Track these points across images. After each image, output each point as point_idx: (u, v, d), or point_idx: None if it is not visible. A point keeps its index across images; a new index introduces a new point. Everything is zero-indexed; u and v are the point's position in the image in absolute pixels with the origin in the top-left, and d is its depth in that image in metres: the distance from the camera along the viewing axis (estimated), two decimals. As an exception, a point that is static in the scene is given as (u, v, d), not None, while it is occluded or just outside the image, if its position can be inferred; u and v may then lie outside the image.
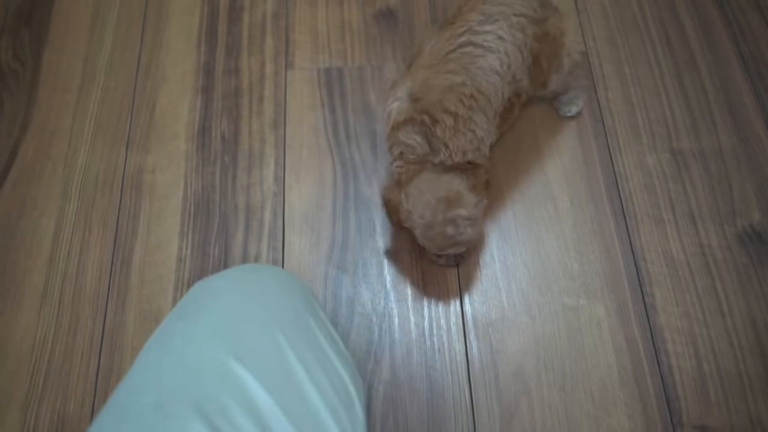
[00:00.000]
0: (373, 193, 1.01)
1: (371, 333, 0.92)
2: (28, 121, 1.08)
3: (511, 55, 0.82)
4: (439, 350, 0.91)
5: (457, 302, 0.93)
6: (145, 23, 1.16)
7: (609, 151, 1.02)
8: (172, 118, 1.07)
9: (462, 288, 0.94)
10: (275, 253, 0.96)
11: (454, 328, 0.92)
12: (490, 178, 0.90)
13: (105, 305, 0.94)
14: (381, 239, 0.98)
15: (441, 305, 0.94)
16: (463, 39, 0.81)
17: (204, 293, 0.70)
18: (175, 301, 0.92)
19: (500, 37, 0.81)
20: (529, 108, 1.05)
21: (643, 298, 0.92)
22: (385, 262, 0.97)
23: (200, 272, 0.94)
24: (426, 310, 0.93)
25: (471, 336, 0.91)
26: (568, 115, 1.03)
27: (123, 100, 1.09)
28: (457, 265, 0.94)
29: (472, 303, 0.93)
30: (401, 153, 0.84)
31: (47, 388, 0.89)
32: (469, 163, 0.83)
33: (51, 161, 1.04)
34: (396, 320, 0.92)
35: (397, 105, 0.84)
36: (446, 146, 0.81)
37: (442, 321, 0.93)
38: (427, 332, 0.92)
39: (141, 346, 0.86)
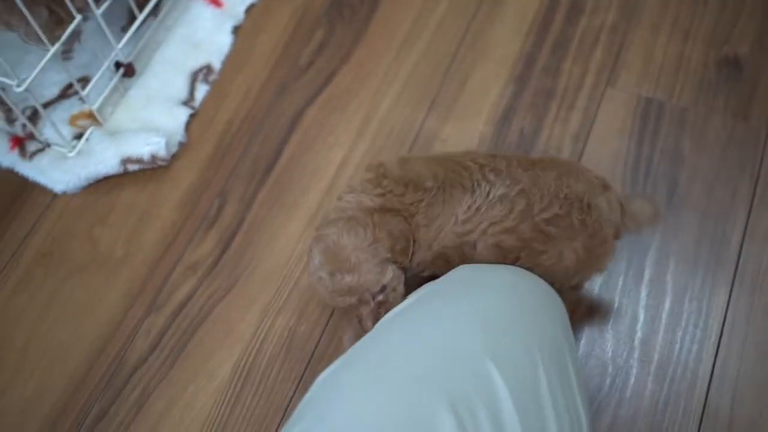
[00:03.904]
0: (652, 242, 1.01)
1: (602, 382, 0.93)
2: (350, 55, 1.20)
3: (480, 216, 0.79)
4: (667, 430, 0.89)
5: (705, 388, 0.91)
6: (483, -2, 1.24)
7: None
8: (480, 96, 1.14)
9: (715, 375, 0.92)
10: (534, 263, 0.99)
11: (691, 415, 0.91)
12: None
13: (362, 248, 1.03)
14: (645, 290, 0.98)
15: (685, 384, 0.92)
16: (471, 165, 0.80)
17: (473, 282, 0.75)
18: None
19: (488, 194, 0.79)
20: None
21: None
22: (641, 315, 0.96)
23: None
24: (668, 382, 0.92)
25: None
26: None
27: (439, 64, 1.18)
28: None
29: (720, 395, 0.90)
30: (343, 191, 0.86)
31: (288, 304, 1.00)
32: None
33: (358, 99, 1.16)
34: (632, 380, 0.92)
35: (388, 158, 0.89)
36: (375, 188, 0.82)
37: (682, 401, 0.91)
38: (660, 405, 0.91)
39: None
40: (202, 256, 1.05)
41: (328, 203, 1.08)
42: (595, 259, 0.82)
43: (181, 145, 1.13)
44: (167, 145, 1.09)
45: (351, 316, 0.85)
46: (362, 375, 0.62)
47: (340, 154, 1.11)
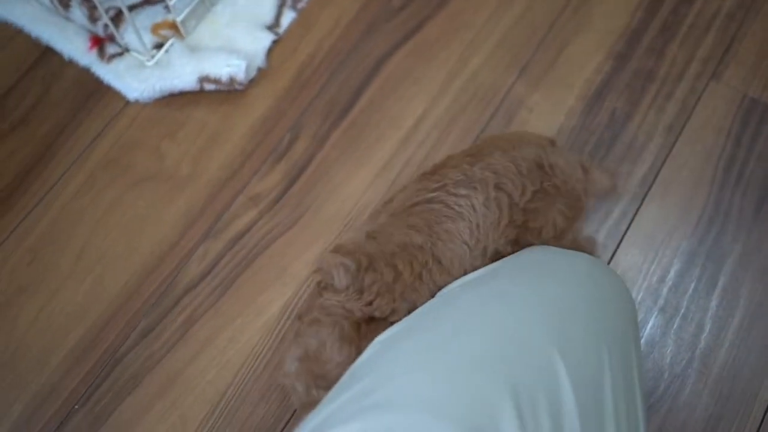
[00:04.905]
0: (732, 251, 0.95)
1: (655, 386, 0.88)
2: (445, 3, 1.14)
3: (482, 230, 0.73)
4: (716, 446, 0.85)
5: (762, 412, 0.87)
6: (597, -37, 1.14)
7: None
8: (575, 68, 1.07)
9: (774, 402, 0.86)
10: (605, 252, 0.95)
11: (744, 437, 0.85)
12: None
13: (429, 207, 0.98)
14: (716, 301, 0.92)
15: (743, 404, 0.87)
16: (434, 195, 0.73)
17: (546, 265, 0.70)
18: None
19: (473, 207, 0.72)
20: None
21: None
22: (708, 326, 0.91)
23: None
24: (725, 400, 0.88)
25: (758, 456, 0.84)
26: None
27: (538, 28, 1.10)
28: None
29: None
30: (320, 282, 0.75)
31: (346, 249, 0.96)
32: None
33: (447, 51, 1.09)
34: (687, 390, 0.88)
35: (351, 235, 0.77)
36: (362, 294, 0.72)
37: (735, 421, 0.87)
38: (712, 421, 0.87)
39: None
40: (267, 188, 1.01)
41: (401, 155, 1.03)
42: (577, 211, 0.81)
43: (260, 71, 1.09)
44: (247, 69, 1.04)
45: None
46: (425, 346, 0.58)
47: (420, 107, 1.06)
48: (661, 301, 0.93)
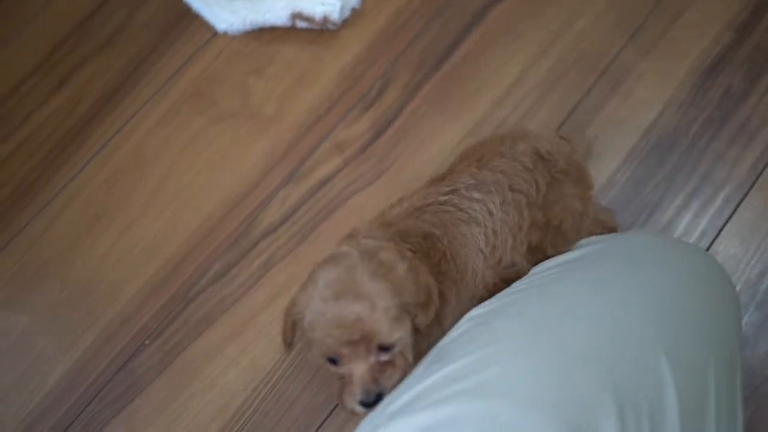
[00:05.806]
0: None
1: (745, 386, 0.82)
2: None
3: (500, 237, 0.68)
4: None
5: None
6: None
7: None
8: (691, 36, 0.98)
9: None
10: (704, 240, 0.88)
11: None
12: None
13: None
14: (819, 304, 0.85)
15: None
16: (446, 198, 0.68)
17: (655, 256, 0.65)
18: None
19: (490, 212, 0.68)
20: None
21: None
22: (808, 330, 0.84)
23: (621, 207, 0.90)
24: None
25: None
26: None
27: (653, -9, 1.01)
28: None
29: None
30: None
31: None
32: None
33: (555, 7, 1.02)
34: (778, 395, 0.82)
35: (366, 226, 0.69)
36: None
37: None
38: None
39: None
40: (353, 137, 0.96)
41: (495, 115, 0.97)
42: (584, 183, 0.75)
43: (354, 12, 1.02)
44: (341, 9, 0.98)
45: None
46: (525, 330, 0.54)
47: (520, 65, 0.99)
48: (758, 297, 0.87)
